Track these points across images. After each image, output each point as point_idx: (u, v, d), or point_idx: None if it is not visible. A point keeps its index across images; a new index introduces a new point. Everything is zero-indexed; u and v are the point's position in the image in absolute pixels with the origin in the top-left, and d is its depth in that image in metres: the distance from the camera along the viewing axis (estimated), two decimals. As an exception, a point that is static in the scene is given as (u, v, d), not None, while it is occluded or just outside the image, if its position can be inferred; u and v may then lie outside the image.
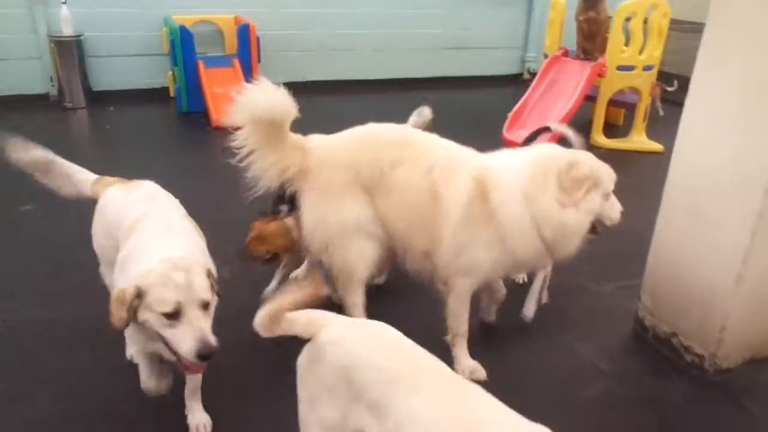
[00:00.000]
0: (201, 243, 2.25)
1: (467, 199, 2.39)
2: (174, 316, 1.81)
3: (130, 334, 2.14)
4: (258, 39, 7.01)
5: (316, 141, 2.68)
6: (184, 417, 2.30)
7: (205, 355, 1.80)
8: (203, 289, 1.87)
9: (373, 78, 8.45)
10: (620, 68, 5.72)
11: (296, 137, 2.63)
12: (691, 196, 2.64)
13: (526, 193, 2.33)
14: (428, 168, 2.47)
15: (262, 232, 2.82)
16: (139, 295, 1.82)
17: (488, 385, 1.50)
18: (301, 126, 6.89)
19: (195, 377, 2.22)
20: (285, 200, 2.91)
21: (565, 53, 6.11)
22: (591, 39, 5.91)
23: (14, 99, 6.77)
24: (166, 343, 1.88)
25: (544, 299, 3.03)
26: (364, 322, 1.67)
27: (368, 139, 2.66)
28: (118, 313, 1.83)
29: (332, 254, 2.59)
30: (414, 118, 3.57)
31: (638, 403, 2.60)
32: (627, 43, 5.69)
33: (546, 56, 6.29)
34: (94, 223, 2.47)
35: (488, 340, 2.90)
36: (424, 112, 3.57)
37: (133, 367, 2.34)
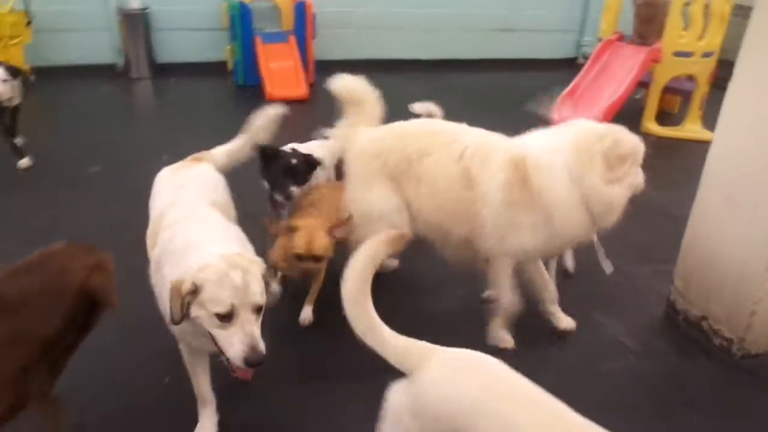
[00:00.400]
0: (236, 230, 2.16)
1: (504, 183, 2.43)
2: (227, 317, 1.72)
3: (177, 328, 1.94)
4: (314, 16, 7.17)
5: (365, 131, 2.78)
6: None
7: (253, 362, 1.71)
8: (259, 293, 1.77)
9: (423, 58, 8.50)
10: (677, 54, 5.60)
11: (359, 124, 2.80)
12: (727, 182, 2.65)
13: (571, 173, 2.37)
14: (458, 155, 2.53)
15: (312, 246, 2.58)
16: (195, 290, 1.73)
17: (517, 356, 1.56)
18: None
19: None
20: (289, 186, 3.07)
21: (621, 37, 6.03)
22: (648, 23, 5.81)
23: (84, 68, 7.17)
24: (216, 343, 1.80)
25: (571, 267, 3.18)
26: (466, 355, 1.45)
27: (396, 129, 2.75)
28: (174, 305, 1.74)
29: (354, 239, 2.59)
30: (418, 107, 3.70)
31: (662, 380, 2.65)
32: (686, 28, 5.57)
33: (600, 40, 6.21)
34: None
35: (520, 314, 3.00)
36: (431, 109, 3.70)
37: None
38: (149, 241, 2.19)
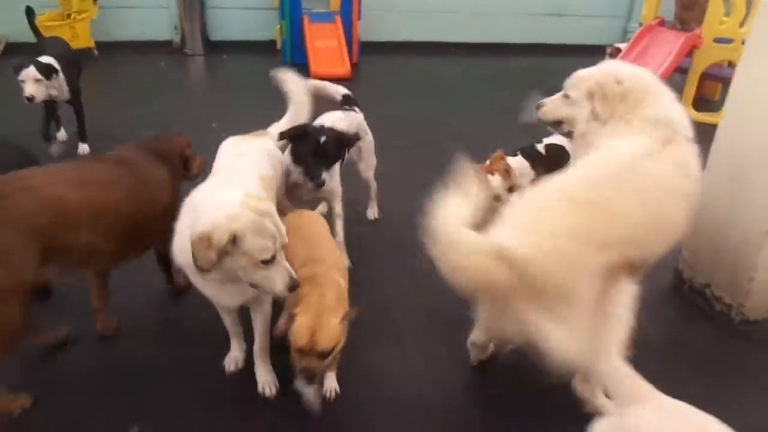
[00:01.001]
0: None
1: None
2: (270, 261, 1.88)
3: (190, 277, 2.10)
4: (360, -2, 7.43)
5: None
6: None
7: (293, 287, 1.92)
8: (285, 232, 1.95)
9: (469, 41, 8.63)
10: (717, 40, 5.60)
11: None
12: (733, 158, 2.79)
13: None
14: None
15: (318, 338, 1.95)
16: (234, 241, 1.82)
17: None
18: (392, 86, 7.41)
19: (263, 330, 2.28)
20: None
21: (661, 22, 6.05)
22: (689, 9, 5.82)
23: (143, 44, 7.64)
24: (254, 285, 1.95)
25: None
26: (685, 408, 1.41)
27: None
28: (206, 255, 1.81)
29: None
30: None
31: (667, 344, 2.78)
32: (727, 15, 5.55)
33: (641, 25, 6.24)
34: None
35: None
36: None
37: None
38: None
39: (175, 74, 7.17)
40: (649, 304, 3.04)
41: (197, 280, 2.09)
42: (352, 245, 3.24)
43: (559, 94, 2.56)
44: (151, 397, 2.27)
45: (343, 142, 2.86)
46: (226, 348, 2.45)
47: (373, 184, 3.71)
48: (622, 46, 6.49)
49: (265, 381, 2.32)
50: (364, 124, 3.48)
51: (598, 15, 8.88)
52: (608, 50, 6.71)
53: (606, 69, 2.45)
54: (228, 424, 2.18)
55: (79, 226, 2.09)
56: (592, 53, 8.74)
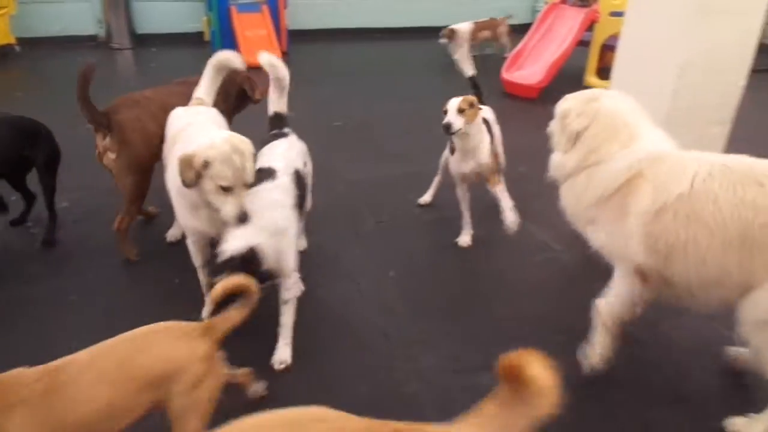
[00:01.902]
0: None
1: None
2: (227, 189, 2.26)
3: (177, 213, 2.60)
4: (285, -14, 7.68)
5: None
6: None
7: (241, 218, 2.25)
8: (250, 174, 2.31)
9: (392, 26, 9.05)
10: (613, 14, 6.25)
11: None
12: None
13: None
14: None
15: None
16: (206, 164, 2.23)
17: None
18: (323, 72, 7.85)
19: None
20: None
21: (564, 0, 6.66)
22: (587, -13, 6.45)
23: (67, 39, 7.60)
24: (214, 208, 2.31)
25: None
26: None
27: None
28: (187, 173, 2.25)
29: None
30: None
31: (577, 267, 3.30)
32: (619, -9, 6.22)
33: (546, 3, 6.84)
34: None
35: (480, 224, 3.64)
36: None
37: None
38: (166, 155, 2.81)
39: (104, 68, 7.17)
40: (564, 238, 3.58)
41: (181, 210, 2.53)
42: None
43: None
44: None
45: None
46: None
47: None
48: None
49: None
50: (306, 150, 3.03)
51: (508, -4, 9.52)
52: (442, 33, 7.46)
53: (575, 97, 2.32)
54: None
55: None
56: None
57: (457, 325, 2.75)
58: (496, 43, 7.94)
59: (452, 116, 2.98)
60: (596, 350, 2.38)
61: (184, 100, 3.10)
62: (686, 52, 3.00)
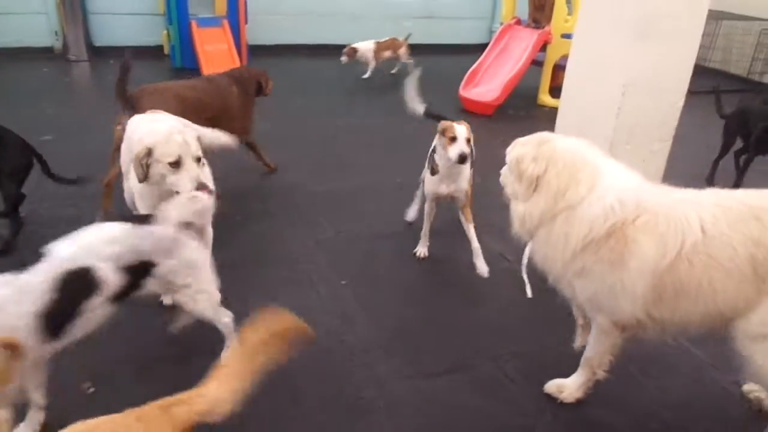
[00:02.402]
0: None
1: None
2: (176, 164, 2.40)
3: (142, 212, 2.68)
4: (246, 2, 7.72)
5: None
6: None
7: (200, 187, 2.37)
8: (196, 148, 2.47)
9: (350, 43, 9.16)
10: (564, 36, 6.52)
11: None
12: (577, 113, 3.48)
13: None
14: None
15: None
16: (149, 152, 2.40)
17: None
18: (283, 88, 7.91)
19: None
20: None
21: (518, 22, 6.91)
22: (540, 9, 6.71)
23: (21, 51, 7.45)
24: (173, 188, 2.43)
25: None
26: None
27: None
28: (138, 169, 2.42)
29: None
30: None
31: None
32: (570, 13, 6.50)
33: (502, 24, 7.08)
34: (123, 144, 3.08)
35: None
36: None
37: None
38: (125, 167, 2.94)
39: (61, 80, 7.08)
40: (518, 250, 3.78)
41: (143, 204, 2.62)
42: (263, 215, 3.64)
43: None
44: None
45: None
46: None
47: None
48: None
49: None
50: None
51: (465, 17, 9.78)
52: (344, 52, 7.67)
53: (533, 140, 2.26)
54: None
55: (189, 111, 3.48)
56: (463, 52, 9.72)
57: (413, 332, 2.82)
58: (398, 63, 8.11)
59: (464, 145, 2.98)
60: (580, 390, 2.42)
61: (200, 93, 3.91)
62: (629, 73, 3.17)
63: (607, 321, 2.19)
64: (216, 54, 7.31)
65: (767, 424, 2.30)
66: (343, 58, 7.57)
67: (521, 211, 2.20)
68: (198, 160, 2.48)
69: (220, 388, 1.37)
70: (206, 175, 2.58)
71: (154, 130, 2.52)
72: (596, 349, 2.32)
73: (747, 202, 1.99)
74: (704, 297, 1.99)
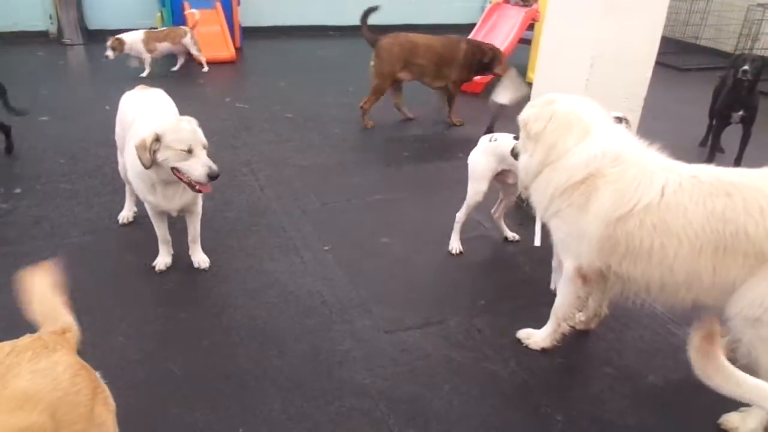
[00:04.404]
0: None
1: None
2: (189, 152, 2.56)
3: (137, 190, 2.86)
4: (238, -17, 7.80)
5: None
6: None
7: (212, 176, 2.57)
8: (202, 136, 2.64)
9: (346, 24, 9.24)
10: (550, 14, 6.63)
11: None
12: (549, 85, 3.60)
13: None
14: None
15: None
16: (158, 139, 2.53)
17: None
18: (276, 67, 8.06)
19: (194, 227, 3.02)
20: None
21: (506, 0, 7.01)
22: (527, -13, 6.82)
23: (17, 35, 7.57)
24: (180, 177, 2.61)
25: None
26: None
27: None
28: (144, 156, 2.54)
29: None
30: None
31: (506, 242, 3.59)
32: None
33: (490, 2, 7.18)
34: (117, 117, 3.24)
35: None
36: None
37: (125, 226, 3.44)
38: (119, 142, 3.15)
39: (57, 63, 7.20)
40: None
41: (141, 189, 2.77)
42: (260, 192, 3.81)
43: None
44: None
45: None
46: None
47: None
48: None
49: (201, 259, 3.09)
50: None
51: (458, -3, 9.87)
52: (108, 45, 6.39)
53: (540, 101, 2.45)
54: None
55: (418, 54, 5.14)
56: (457, 31, 9.77)
57: (391, 292, 3.00)
58: (181, 56, 6.96)
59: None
60: (546, 340, 2.60)
61: (432, 41, 5.26)
62: (597, 46, 3.31)
63: (572, 267, 2.39)
64: (208, 36, 7.40)
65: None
66: (109, 53, 6.36)
67: (524, 163, 2.44)
68: (205, 147, 2.64)
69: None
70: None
71: (161, 120, 2.64)
72: (562, 300, 2.52)
73: (724, 178, 2.06)
74: (659, 260, 2.11)
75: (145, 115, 2.89)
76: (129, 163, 2.84)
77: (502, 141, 3.10)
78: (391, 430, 2.17)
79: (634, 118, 3.60)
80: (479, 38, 6.88)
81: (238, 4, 7.87)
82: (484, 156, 3.19)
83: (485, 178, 3.20)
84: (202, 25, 7.42)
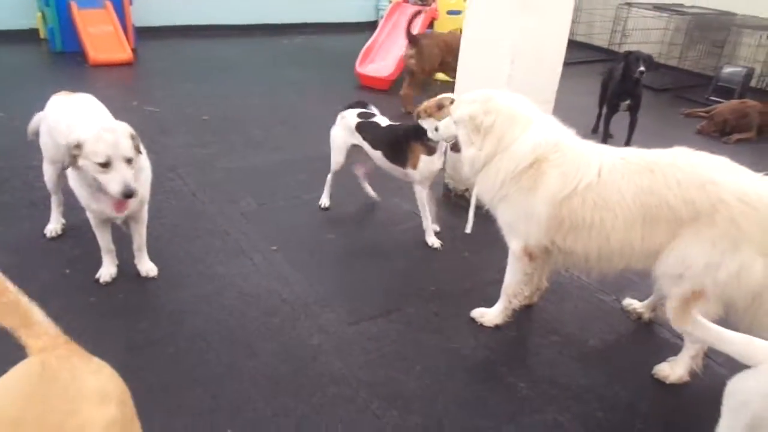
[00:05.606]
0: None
1: None
2: (105, 165, 2.42)
3: (80, 197, 2.70)
4: (129, -18, 7.44)
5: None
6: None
7: (126, 193, 2.43)
8: (127, 149, 2.47)
9: (244, 23, 9.12)
10: (450, 12, 6.97)
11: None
12: (473, 82, 3.84)
13: None
14: None
15: None
16: (78, 146, 2.42)
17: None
18: (174, 71, 7.85)
19: (140, 235, 2.92)
20: None
21: (406, 0, 7.26)
22: (426, -13, 7.13)
23: None
24: (100, 185, 2.49)
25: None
26: None
27: None
28: (66, 157, 2.48)
29: None
30: None
31: (444, 227, 3.76)
32: (454, -8, 6.95)
33: (391, 2, 7.39)
34: (41, 125, 3.07)
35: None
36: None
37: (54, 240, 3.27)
38: (48, 152, 3.03)
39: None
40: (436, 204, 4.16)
41: (82, 194, 2.66)
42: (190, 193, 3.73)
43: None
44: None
45: None
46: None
47: None
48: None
49: (149, 267, 3.01)
50: None
51: (353, -4, 10.02)
52: None
53: (479, 98, 2.63)
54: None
55: (450, 52, 5.61)
56: (352, 30, 9.97)
57: (346, 286, 3.11)
58: None
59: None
60: (499, 317, 2.83)
61: (454, 39, 5.30)
62: (516, 43, 3.59)
63: (519, 247, 2.62)
64: (101, 36, 7.02)
65: (645, 328, 2.86)
66: None
67: (472, 155, 2.60)
68: (128, 161, 2.49)
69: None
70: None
71: (86, 126, 2.50)
72: (511, 279, 2.75)
73: (646, 157, 2.38)
74: (597, 233, 2.39)
75: (79, 120, 2.73)
76: (69, 170, 2.69)
77: (348, 116, 3.63)
78: (375, 414, 2.28)
79: (548, 108, 3.94)
80: (383, 36, 7.11)
81: (130, 3, 7.51)
82: (340, 130, 3.68)
83: (342, 149, 3.69)
84: (93, 25, 7.03)
